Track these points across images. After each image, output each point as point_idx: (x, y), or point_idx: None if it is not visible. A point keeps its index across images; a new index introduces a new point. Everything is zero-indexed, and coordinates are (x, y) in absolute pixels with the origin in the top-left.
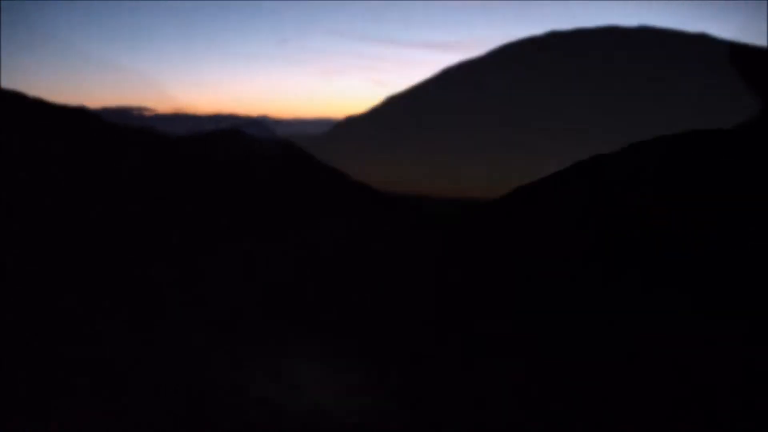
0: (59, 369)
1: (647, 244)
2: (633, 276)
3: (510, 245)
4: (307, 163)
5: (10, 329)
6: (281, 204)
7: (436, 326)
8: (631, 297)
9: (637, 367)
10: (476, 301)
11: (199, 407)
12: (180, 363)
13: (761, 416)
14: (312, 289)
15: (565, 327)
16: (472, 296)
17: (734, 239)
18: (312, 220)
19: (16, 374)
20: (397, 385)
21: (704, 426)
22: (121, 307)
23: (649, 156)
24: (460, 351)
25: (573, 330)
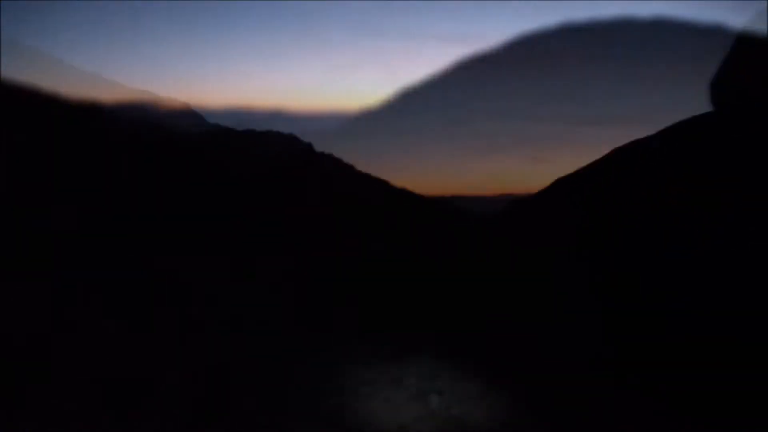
0: (64, 375)
1: (652, 243)
2: (635, 275)
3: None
4: (320, 161)
5: (9, 330)
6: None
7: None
8: (632, 297)
9: (634, 367)
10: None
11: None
12: (185, 366)
13: (761, 416)
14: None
15: (570, 327)
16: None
17: (736, 237)
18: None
19: (19, 379)
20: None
21: (704, 426)
22: (123, 306)
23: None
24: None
25: (576, 331)
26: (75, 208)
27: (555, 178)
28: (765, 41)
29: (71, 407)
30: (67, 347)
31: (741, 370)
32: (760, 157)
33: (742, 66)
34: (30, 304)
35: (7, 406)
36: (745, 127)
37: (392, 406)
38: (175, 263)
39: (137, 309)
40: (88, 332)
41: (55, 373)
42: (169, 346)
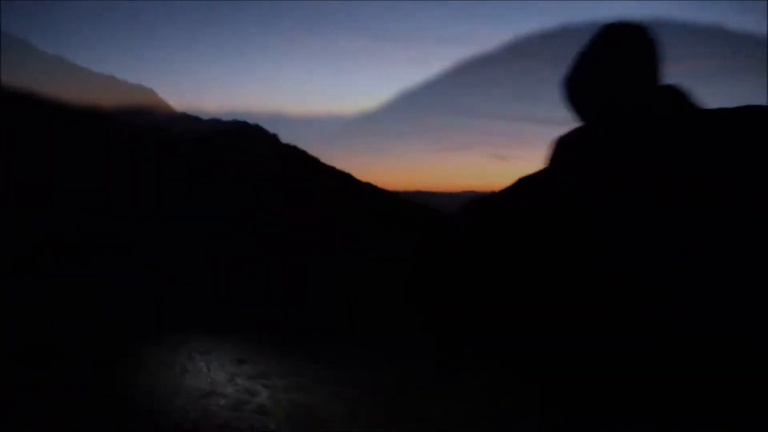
0: (64, 375)
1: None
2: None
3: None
4: (309, 165)
5: (10, 329)
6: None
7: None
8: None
9: (632, 368)
10: (470, 299)
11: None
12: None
13: (762, 416)
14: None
15: (558, 325)
16: (466, 294)
17: (736, 237)
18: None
19: (19, 380)
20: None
21: (704, 426)
22: (123, 306)
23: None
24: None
25: (567, 328)
26: (75, 208)
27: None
28: (631, 36)
29: (71, 407)
30: (68, 347)
31: (741, 370)
32: (760, 157)
33: (607, 61)
34: (29, 304)
35: (8, 406)
36: (745, 127)
37: None
38: (175, 261)
39: (136, 309)
40: (88, 332)
41: (55, 373)
42: (170, 347)
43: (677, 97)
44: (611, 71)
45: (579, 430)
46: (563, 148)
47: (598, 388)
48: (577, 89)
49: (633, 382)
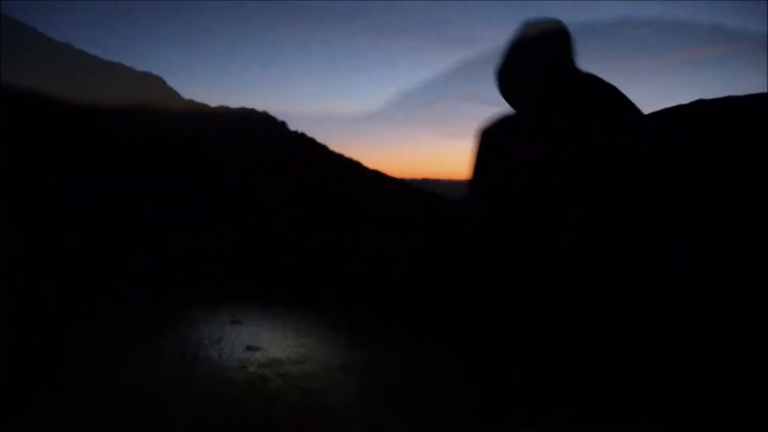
0: (70, 372)
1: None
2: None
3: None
4: (316, 152)
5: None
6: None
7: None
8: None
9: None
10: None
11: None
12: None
13: (762, 416)
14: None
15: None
16: (466, 294)
17: (736, 237)
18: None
19: (26, 377)
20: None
21: (704, 425)
22: (123, 305)
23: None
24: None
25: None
26: (75, 206)
27: None
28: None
29: (71, 407)
30: (68, 347)
31: (741, 370)
32: (760, 157)
33: (525, 59)
34: (30, 304)
35: (8, 406)
36: (745, 127)
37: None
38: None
39: (142, 302)
40: (88, 332)
41: (55, 373)
42: (180, 336)
43: (595, 82)
44: (531, 61)
45: (579, 430)
46: (489, 136)
47: (598, 388)
48: (505, 78)
49: (633, 382)
